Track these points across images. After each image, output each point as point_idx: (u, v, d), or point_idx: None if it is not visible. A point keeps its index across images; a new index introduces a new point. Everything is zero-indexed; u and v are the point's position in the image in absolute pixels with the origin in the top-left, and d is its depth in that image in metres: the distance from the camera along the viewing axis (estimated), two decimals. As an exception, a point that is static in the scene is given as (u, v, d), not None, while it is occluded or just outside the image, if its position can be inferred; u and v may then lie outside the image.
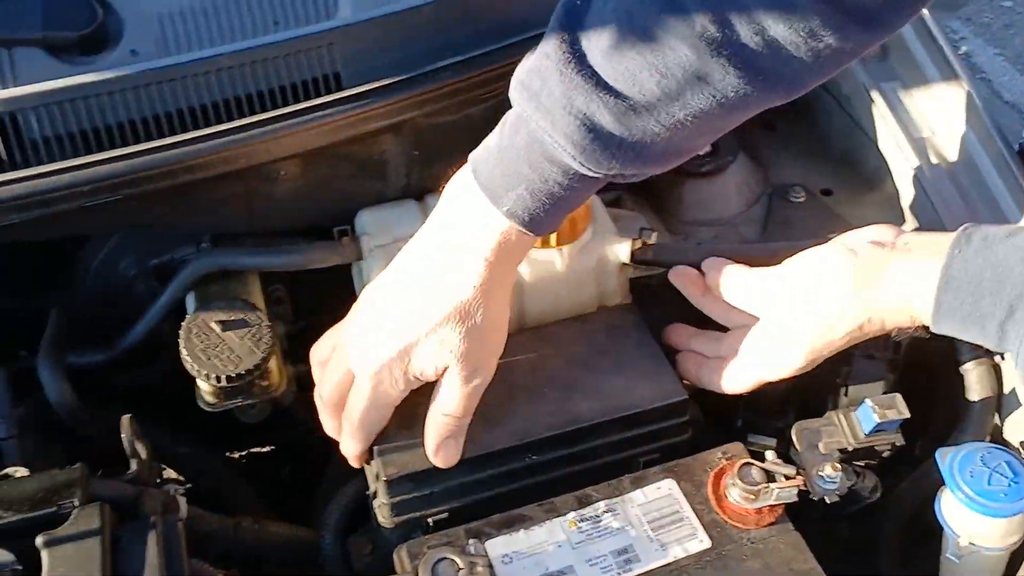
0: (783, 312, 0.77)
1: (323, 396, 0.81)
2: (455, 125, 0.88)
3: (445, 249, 0.75)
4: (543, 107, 0.68)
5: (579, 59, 0.67)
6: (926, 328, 0.71)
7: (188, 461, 0.96)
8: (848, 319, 0.73)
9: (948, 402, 0.86)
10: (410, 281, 0.77)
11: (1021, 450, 0.78)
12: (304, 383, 1.00)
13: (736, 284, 0.81)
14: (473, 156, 0.75)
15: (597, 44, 0.67)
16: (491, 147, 0.74)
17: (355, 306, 0.81)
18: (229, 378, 0.85)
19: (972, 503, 0.72)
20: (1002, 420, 0.82)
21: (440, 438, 0.76)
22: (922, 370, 0.87)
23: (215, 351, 0.87)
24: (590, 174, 0.70)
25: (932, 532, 0.81)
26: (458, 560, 0.68)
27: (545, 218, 0.73)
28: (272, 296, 0.98)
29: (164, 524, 0.75)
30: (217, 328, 0.87)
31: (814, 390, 0.90)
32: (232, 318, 0.88)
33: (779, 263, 0.79)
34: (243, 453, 1.09)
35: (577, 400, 0.80)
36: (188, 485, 0.82)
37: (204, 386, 0.88)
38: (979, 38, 3.01)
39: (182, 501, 0.80)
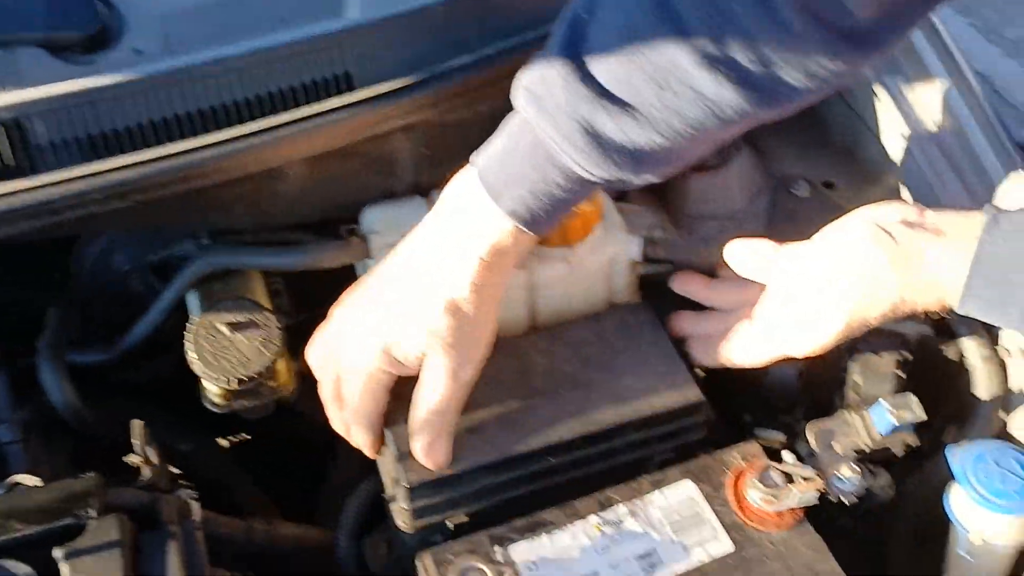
0: (816, 289, 0.77)
1: (324, 395, 0.81)
2: (466, 123, 0.87)
3: (443, 245, 0.76)
4: (547, 113, 0.71)
5: (583, 70, 0.70)
6: (950, 311, 0.73)
7: (191, 458, 0.95)
8: (884, 300, 0.74)
9: (953, 398, 0.88)
10: (404, 274, 0.77)
11: (1030, 447, 0.79)
12: (306, 376, 0.99)
13: (762, 259, 0.82)
14: (476, 156, 0.76)
15: (601, 56, 0.70)
16: (495, 149, 0.75)
17: (346, 299, 0.81)
18: (240, 381, 0.84)
19: (985, 501, 0.74)
20: (1009, 417, 0.83)
21: (428, 437, 0.76)
22: (928, 366, 0.89)
23: (224, 353, 0.85)
24: (591, 178, 0.73)
25: (939, 528, 0.83)
26: (487, 569, 0.69)
27: (545, 218, 0.75)
28: (271, 288, 0.97)
29: (183, 532, 0.74)
30: (226, 330, 0.86)
31: (822, 385, 0.91)
32: (241, 320, 0.87)
33: None
34: (241, 445, 1.08)
35: (595, 402, 0.80)
36: (197, 492, 0.81)
37: (212, 388, 0.87)
38: (949, 7, 3.03)
39: (195, 506, 0.79)
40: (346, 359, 0.78)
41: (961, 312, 0.73)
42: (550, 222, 0.76)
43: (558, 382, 0.81)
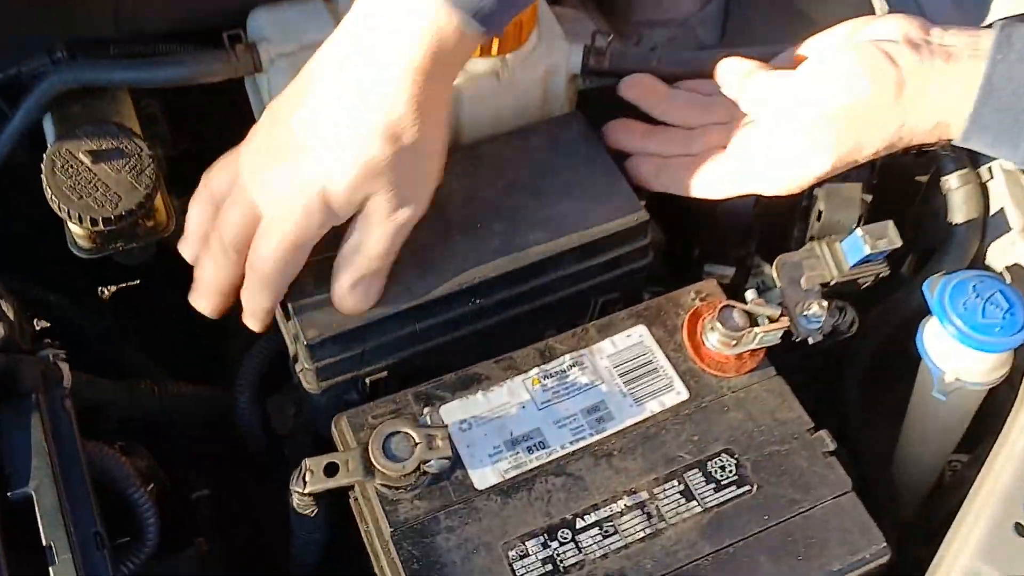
0: (806, 122, 0.66)
1: (224, 241, 0.67)
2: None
3: (368, 54, 0.61)
4: None
5: None
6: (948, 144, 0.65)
7: (61, 312, 0.82)
8: (880, 136, 0.65)
9: (925, 223, 0.80)
10: (326, 96, 0.62)
11: (1007, 276, 0.72)
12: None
13: (741, 79, 0.70)
14: None
15: None
16: None
17: (256, 127, 0.67)
18: (107, 220, 0.71)
19: (966, 338, 0.67)
20: (985, 245, 0.76)
21: (354, 278, 0.64)
22: (897, 188, 0.80)
23: (87, 188, 0.71)
24: None
25: (901, 365, 0.77)
26: (413, 434, 0.59)
27: (497, 9, 0.61)
28: (144, 112, 0.82)
29: (48, 400, 0.63)
30: (87, 160, 0.72)
31: (779, 214, 0.82)
32: (104, 147, 0.73)
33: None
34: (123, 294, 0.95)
35: (524, 231, 0.69)
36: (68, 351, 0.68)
37: (76, 229, 0.73)
38: None
39: (65, 368, 0.68)
40: (266, 206, 0.64)
41: (964, 146, 0.64)
42: (504, 16, 0.62)
43: (481, 211, 0.70)
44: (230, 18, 0.77)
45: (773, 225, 0.82)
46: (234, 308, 0.70)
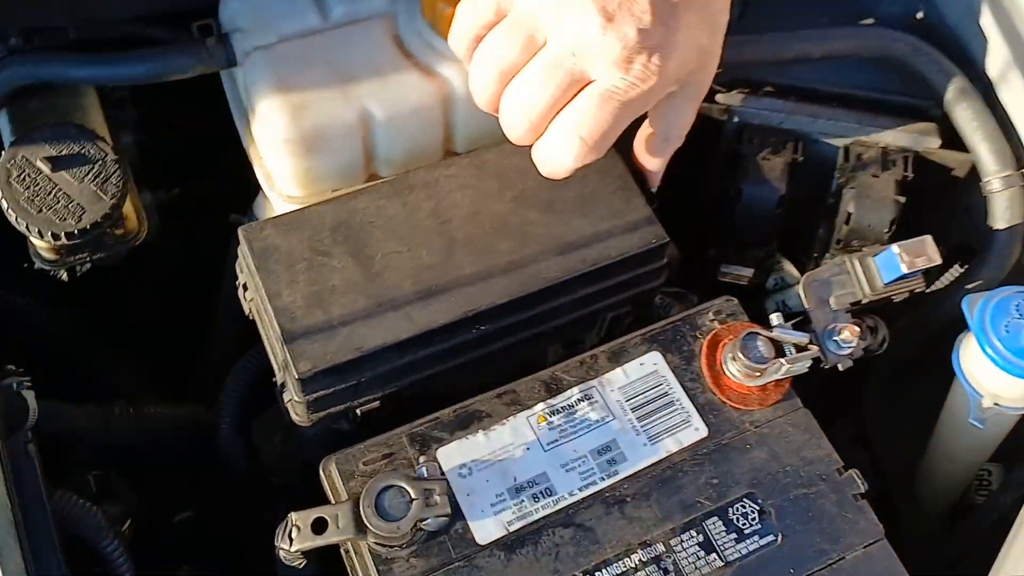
0: None
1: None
2: None
3: None
4: None
5: None
6: None
7: (26, 319, 0.77)
8: None
9: (962, 227, 0.74)
10: None
11: (1051, 289, 0.66)
12: (167, 211, 0.80)
13: None
14: None
15: None
16: None
17: None
18: (70, 235, 0.65)
19: (1008, 365, 0.61)
20: (1028, 251, 0.70)
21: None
22: (933, 187, 0.74)
23: (47, 200, 0.65)
24: None
25: (928, 377, 0.72)
26: (408, 488, 0.54)
27: None
28: (112, 97, 0.76)
29: (10, 447, 0.57)
30: (46, 168, 0.65)
31: (804, 213, 0.76)
32: (65, 152, 0.66)
33: None
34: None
35: (533, 252, 0.63)
36: (27, 376, 0.62)
37: (39, 242, 0.67)
38: None
39: (30, 397, 0.62)
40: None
41: None
42: None
43: (485, 227, 0.64)
44: (201, 2, 0.69)
45: (795, 225, 0.76)
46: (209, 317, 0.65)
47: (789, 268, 0.80)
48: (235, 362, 0.70)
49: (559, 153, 0.57)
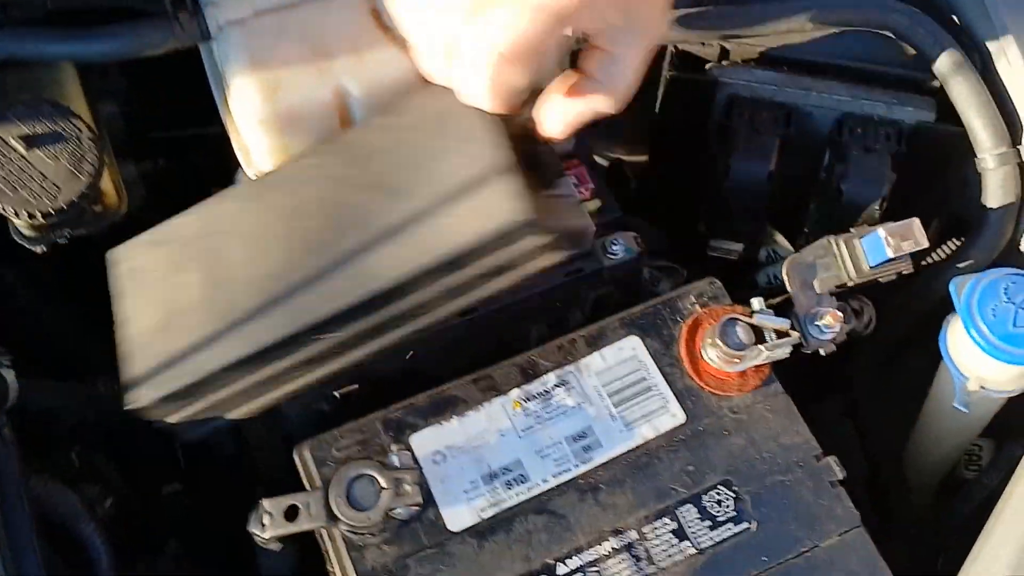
0: None
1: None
2: None
3: None
4: None
5: None
6: None
7: (8, 296, 0.76)
8: None
9: (953, 202, 0.72)
10: None
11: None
12: (152, 181, 0.79)
13: None
14: None
15: None
16: None
17: None
18: (46, 215, 0.64)
19: (994, 349, 0.60)
20: (1021, 232, 0.68)
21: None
22: (926, 160, 0.72)
23: (22, 179, 0.64)
24: None
25: (913, 356, 0.71)
26: (379, 478, 0.54)
27: None
28: (96, 67, 0.74)
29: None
30: (20, 146, 0.65)
31: (794, 190, 0.74)
32: (39, 131, 0.65)
33: None
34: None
35: (376, 247, 0.55)
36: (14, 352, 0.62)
37: (18, 220, 0.67)
38: None
39: (10, 376, 0.62)
40: None
41: None
42: None
43: (334, 222, 0.57)
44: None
45: (787, 200, 0.75)
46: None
47: (781, 240, 0.79)
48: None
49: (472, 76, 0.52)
